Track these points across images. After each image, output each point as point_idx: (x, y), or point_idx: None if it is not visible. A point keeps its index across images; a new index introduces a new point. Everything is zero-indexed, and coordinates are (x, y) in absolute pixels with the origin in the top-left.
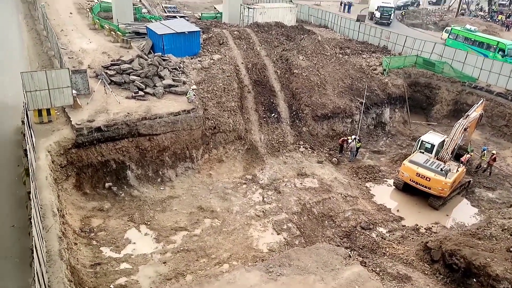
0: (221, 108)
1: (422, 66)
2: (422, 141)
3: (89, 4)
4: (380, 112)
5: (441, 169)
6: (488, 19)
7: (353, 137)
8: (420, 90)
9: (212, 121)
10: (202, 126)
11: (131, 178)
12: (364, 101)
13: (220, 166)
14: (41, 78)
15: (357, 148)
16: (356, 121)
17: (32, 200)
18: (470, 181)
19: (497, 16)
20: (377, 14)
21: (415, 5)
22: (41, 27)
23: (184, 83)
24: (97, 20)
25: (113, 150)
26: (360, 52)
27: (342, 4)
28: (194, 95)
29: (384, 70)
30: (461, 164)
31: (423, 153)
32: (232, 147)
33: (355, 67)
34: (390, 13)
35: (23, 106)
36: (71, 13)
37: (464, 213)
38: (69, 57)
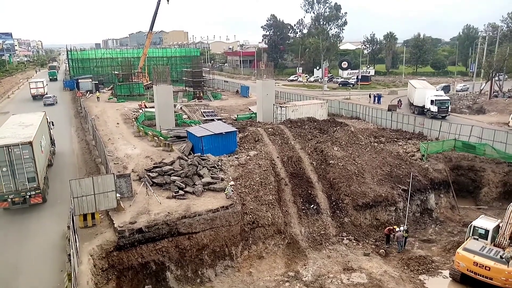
0: (259, 202)
1: (462, 149)
2: (474, 226)
3: (134, 114)
4: (425, 198)
5: (501, 257)
6: None
7: (400, 227)
8: (464, 174)
9: (250, 216)
10: (241, 221)
11: (171, 279)
12: (409, 188)
13: (261, 263)
14: (88, 184)
15: (405, 238)
16: (400, 209)
17: None
18: None
19: None
20: (433, 108)
21: None
22: (90, 138)
23: (222, 180)
24: (141, 128)
25: (153, 251)
26: (395, 139)
27: (371, 96)
28: (232, 191)
29: (423, 155)
30: None
31: (477, 239)
32: (272, 242)
33: (392, 154)
34: (447, 105)
35: (70, 212)
36: (118, 123)
37: None
38: (114, 163)
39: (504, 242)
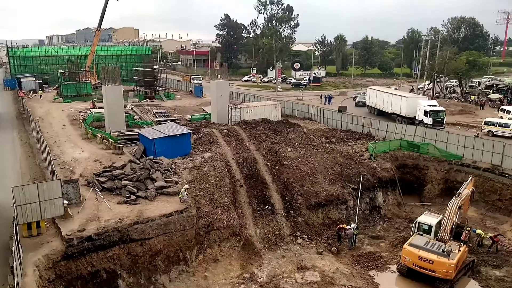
0: (214, 205)
1: (407, 149)
2: (419, 222)
3: (82, 115)
4: (373, 196)
5: (443, 250)
6: (462, 100)
7: (351, 225)
8: (409, 172)
9: (205, 219)
10: (196, 225)
11: (123, 287)
12: (359, 187)
13: (216, 266)
14: (32, 191)
15: (356, 235)
16: (350, 207)
17: None
18: (474, 260)
19: (470, 97)
20: (427, 120)
21: None
22: (34, 141)
23: (176, 183)
24: (89, 130)
25: (103, 259)
26: (346, 140)
27: (323, 97)
28: (186, 194)
29: (371, 155)
30: (462, 243)
31: (422, 235)
32: (227, 244)
33: (343, 154)
34: (443, 116)
35: (13, 221)
36: (64, 125)
37: None
38: (61, 168)
39: (446, 236)
